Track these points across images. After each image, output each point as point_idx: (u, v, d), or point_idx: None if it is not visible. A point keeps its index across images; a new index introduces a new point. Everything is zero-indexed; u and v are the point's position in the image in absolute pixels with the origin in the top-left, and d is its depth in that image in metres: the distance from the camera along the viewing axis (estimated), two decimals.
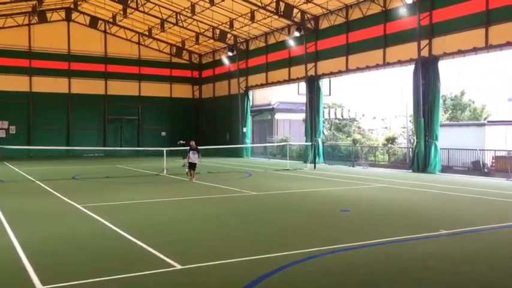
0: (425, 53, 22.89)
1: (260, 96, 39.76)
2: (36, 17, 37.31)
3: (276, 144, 34.70)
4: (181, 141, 31.47)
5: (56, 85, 39.53)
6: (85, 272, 6.44)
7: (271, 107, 38.94)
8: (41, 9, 36.19)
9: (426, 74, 22.77)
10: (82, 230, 9.38)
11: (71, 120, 40.07)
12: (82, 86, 40.38)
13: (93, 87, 40.93)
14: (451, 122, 30.86)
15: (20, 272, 6.42)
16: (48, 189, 16.00)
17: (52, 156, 35.79)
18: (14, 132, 37.83)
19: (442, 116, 27.31)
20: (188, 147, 19.04)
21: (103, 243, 8.24)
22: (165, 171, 21.81)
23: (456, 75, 31.37)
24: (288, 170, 24.49)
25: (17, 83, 38.09)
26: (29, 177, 20.18)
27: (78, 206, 12.19)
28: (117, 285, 5.90)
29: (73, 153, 37.94)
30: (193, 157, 18.62)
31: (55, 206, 12.47)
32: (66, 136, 39.60)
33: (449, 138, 23.54)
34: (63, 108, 39.81)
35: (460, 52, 21.73)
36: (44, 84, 39.01)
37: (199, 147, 19.49)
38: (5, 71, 37.65)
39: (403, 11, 23.87)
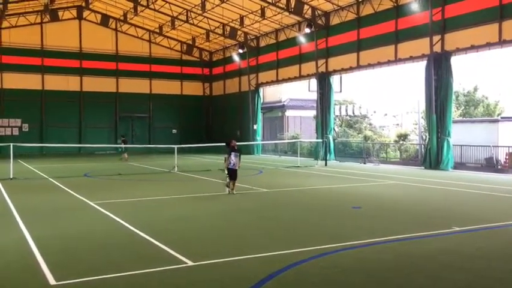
0: (437, 48, 22.65)
1: (271, 93, 39.70)
2: (48, 16, 37.59)
3: (286, 141, 34.65)
4: (122, 137, 32.84)
5: (68, 83, 39.87)
6: (97, 268, 6.47)
7: (281, 104, 38.86)
8: (53, 7, 36.46)
9: (438, 70, 22.54)
10: (94, 226, 9.44)
11: (82, 117, 40.38)
12: (93, 84, 40.67)
13: (104, 85, 41.20)
14: (464, 118, 30.53)
15: (34, 268, 6.48)
16: (61, 186, 16.13)
17: (64, 154, 36.13)
18: (26, 129, 38.22)
19: (454, 112, 27.03)
20: (228, 149, 14.22)
21: (115, 239, 8.28)
22: (176, 168, 21.87)
23: (469, 71, 31.01)
24: (298, 167, 24.43)
25: (29, 81, 38.49)
26: (42, 174, 20.38)
27: (90, 202, 12.28)
28: (129, 282, 5.92)
29: (85, 151, 38.26)
30: (236, 161, 13.87)
31: (67, 202, 12.57)
32: (78, 133, 39.94)
33: (462, 135, 23.29)
34: (75, 105, 40.14)
35: (473, 47, 21.47)
36: (56, 82, 39.36)
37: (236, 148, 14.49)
38: (18, 69, 38.04)
39: (415, 6, 23.63)
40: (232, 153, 13.79)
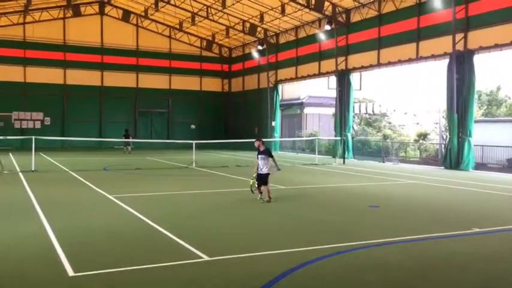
0: (460, 47, 22.28)
1: (289, 90, 39.59)
2: (70, 11, 38.12)
3: (304, 138, 34.53)
4: (125, 131, 33.77)
5: (89, 78, 40.40)
6: (114, 261, 6.56)
7: (300, 101, 38.73)
8: (75, 3, 36.98)
9: (461, 69, 22.17)
10: (113, 219, 9.56)
11: (103, 112, 40.88)
12: (114, 79, 41.14)
13: (124, 80, 41.64)
14: (486, 118, 30.01)
15: (53, 259, 6.59)
16: (81, 179, 16.37)
17: (84, 147, 36.64)
18: (48, 123, 38.85)
19: (476, 112, 26.60)
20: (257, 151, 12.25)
21: (133, 233, 8.38)
22: (194, 163, 21.99)
23: (492, 70, 30.44)
24: (316, 164, 24.34)
25: (52, 76, 39.14)
26: (63, 167, 20.71)
27: (109, 196, 12.43)
28: (145, 275, 5.99)
29: (105, 145, 38.72)
30: (262, 164, 11.84)
31: (87, 195, 12.76)
32: (98, 128, 40.46)
33: (483, 135, 22.89)
34: (95, 100, 40.66)
35: (497, 46, 21.06)
36: (78, 77, 39.92)
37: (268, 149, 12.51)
38: (41, 63, 38.71)
39: (437, 4, 23.28)
40: (259, 156, 11.98)
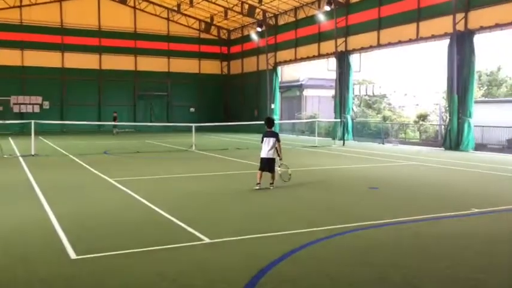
0: (460, 27, 22.11)
1: (289, 73, 39.35)
2: None
3: (304, 120, 34.49)
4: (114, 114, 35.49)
5: (87, 61, 40.20)
6: (117, 243, 6.60)
7: (299, 83, 38.55)
8: None
9: (461, 49, 22.03)
10: (114, 203, 9.60)
11: (102, 95, 40.77)
12: (112, 62, 40.93)
13: (123, 63, 41.43)
14: (486, 99, 29.92)
15: (55, 242, 6.63)
16: (81, 163, 16.40)
17: (84, 131, 36.61)
18: (47, 107, 38.79)
19: (476, 93, 26.50)
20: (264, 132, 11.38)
21: (134, 216, 8.42)
22: (193, 146, 22.01)
23: (492, 50, 30.20)
24: (316, 146, 24.36)
25: (50, 59, 38.92)
26: (63, 151, 20.72)
27: (110, 179, 12.47)
28: (146, 258, 6.03)
29: (104, 129, 38.71)
30: (265, 148, 11.07)
31: (88, 179, 12.79)
32: (97, 111, 40.41)
33: (484, 115, 22.84)
34: (94, 84, 40.53)
35: (498, 26, 20.90)
36: (76, 60, 39.71)
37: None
38: (39, 47, 38.46)
39: None
40: (265, 139, 11.10)
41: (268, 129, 11.37)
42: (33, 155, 18.43)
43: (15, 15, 37.67)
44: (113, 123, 33.65)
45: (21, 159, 17.47)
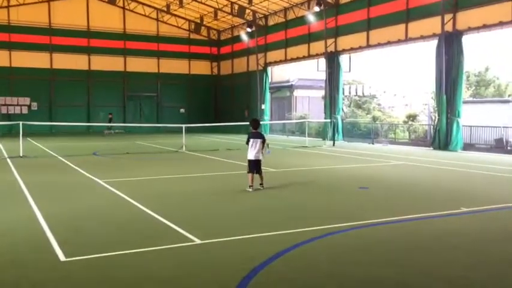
0: (449, 27, 22.29)
1: (279, 73, 39.45)
2: None
3: (294, 121, 34.55)
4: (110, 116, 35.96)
5: (76, 62, 39.88)
6: (107, 245, 6.55)
7: (290, 83, 38.63)
8: None
9: (449, 50, 22.22)
10: (103, 204, 9.53)
11: (91, 96, 40.48)
12: (101, 63, 40.65)
13: (112, 64, 41.18)
14: (474, 99, 30.21)
15: (44, 244, 6.56)
16: (70, 164, 16.26)
17: (73, 132, 36.33)
18: (36, 108, 38.40)
19: (465, 93, 26.74)
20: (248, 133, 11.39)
21: (124, 217, 8.36)
22: (184, 147, 21.94)
23: (480, 51, 30.50)
24: (306, 147, 24.40)
25: (38, 60, 38.55)
26: (51, 153, 20.54)
27: (99, 181, 12.37)
28: (137, 259, 5.99)
29: (93, 130, 38.44)
30: (252, 151, 11.01)
31: (77, 180, 12.68)
32: (86, 112, 40.10)
33: (472, 115, 23.06)
34: (83, 84, 40.23)
35: (486, 26, 21.11)
36: (65, 61, 39.39)
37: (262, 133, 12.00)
38: (27, 47, 38.08)
39: None
40: (251, 140, 11.02)
41: (254, 130, 11.29)
42: (21, 157, 18.25)
43: (2, 16, 37.28)
44: (109, 124, 33.81)
45: (9, 160, 17.29)
